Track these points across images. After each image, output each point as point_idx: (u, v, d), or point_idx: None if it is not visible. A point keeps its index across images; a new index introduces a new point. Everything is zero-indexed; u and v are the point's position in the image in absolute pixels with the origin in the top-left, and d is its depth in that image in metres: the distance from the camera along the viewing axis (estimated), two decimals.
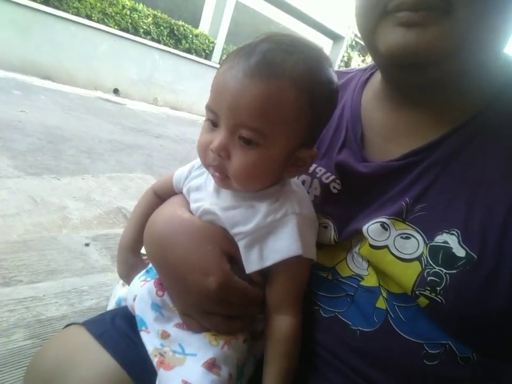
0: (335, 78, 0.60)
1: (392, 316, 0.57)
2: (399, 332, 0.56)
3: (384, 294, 0.59)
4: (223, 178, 0.58)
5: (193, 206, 0.68)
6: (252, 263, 0.60)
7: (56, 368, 0.61)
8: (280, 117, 0.53)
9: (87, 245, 1.63)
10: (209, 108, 0.57)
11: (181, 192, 0.75)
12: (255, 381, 0.66)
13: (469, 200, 0.53)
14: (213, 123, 0.57)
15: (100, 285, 1.36)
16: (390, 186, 0.60)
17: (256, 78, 0.51)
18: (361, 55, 12.84)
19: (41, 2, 6.34)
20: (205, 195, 0.67)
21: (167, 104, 8.85)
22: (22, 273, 1.34)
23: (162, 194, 0.80)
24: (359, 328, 0.59)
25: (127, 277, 0.78)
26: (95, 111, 5.78)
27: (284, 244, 0.58)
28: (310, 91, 0.54)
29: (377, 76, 0.70)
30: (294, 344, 0.61)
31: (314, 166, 0.70)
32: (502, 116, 0.55)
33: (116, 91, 7.91)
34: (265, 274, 0.63)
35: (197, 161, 0.74)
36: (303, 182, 0.71)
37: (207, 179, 0.69)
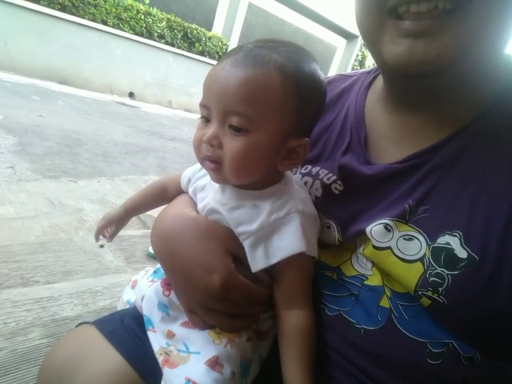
0: (319, 70, 0.62)
1: (396, 314, 0.57)
2: (403, 330, 0.56)
3: (388, 293, 0.59)
4: (217, 170, 0.59)
5: (199, 205, 0.70)
6: (258, 261, 0.61)
7: (67, 365, 0.64)
8: (266, 101, 0.55)
9: (101, 246, 1.67)
10: (201, 104, 0.60)
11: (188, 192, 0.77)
12: (261, 380, 0.67)
13: (471, 202, 0.53)
14: (206, 119, 0.60)
15: (114, 285, 1.40)
16: (393, 188, 0.60)
17: (241, 66, 0.55)
18: None
19: (58, 9, 6.49)
20: (210, 193, 0.69)
21: (181, 107, 8.92)
22: (39, 273, 1.38)
23: (170, 189, 0.84)
24: (363, 326, 0.59)
25: (107, 221, 0.87)
26: (111, 115, 5.88)
27: (288, 242, 0.60)
28: (294, 77, 0.56)
29: (381, 79, 0.70)
30: (312, 335, 0.61)
31: (317, 168, 0.71)
32: (503, 117, 0.55)
33: (131, 94, 8.03)
34: (272, 273, 0.64)
35: None
36: (305, 183, 0.71)
37: None
